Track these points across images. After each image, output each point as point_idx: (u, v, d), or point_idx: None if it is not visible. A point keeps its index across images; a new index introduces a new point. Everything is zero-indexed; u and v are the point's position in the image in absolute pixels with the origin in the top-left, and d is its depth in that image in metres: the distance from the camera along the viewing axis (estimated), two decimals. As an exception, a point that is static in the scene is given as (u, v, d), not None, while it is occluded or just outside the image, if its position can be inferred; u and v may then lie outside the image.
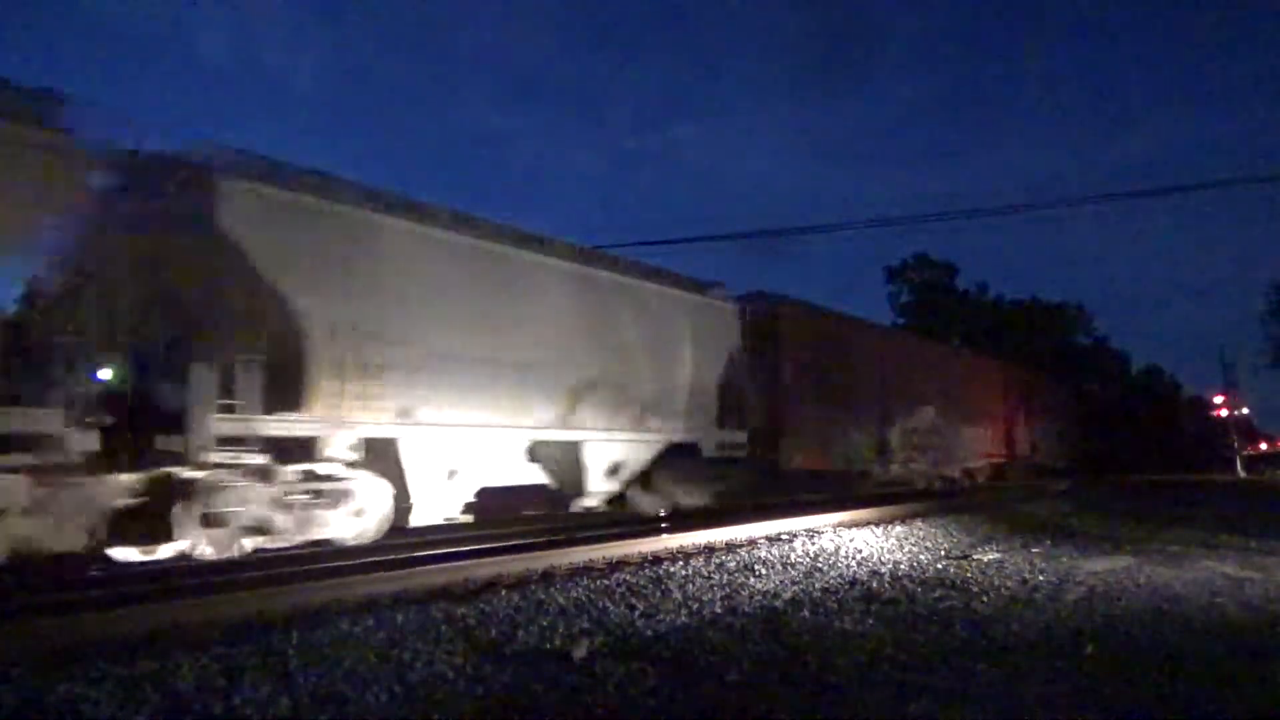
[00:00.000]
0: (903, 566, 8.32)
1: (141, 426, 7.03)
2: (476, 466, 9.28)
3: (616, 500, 11.44)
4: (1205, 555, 9.22)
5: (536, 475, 10.38)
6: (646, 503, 11.87)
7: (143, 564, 7.13)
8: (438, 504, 8.93)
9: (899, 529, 10.92)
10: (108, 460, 6.72)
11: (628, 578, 6.93)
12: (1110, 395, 44.74)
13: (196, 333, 7.23)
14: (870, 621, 5.92)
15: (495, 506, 10.15)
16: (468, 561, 7.64)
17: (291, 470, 7.67)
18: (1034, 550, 9.66)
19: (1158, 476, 31.73)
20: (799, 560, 8.27)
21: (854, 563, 8.36)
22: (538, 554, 8.19)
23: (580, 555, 8.12)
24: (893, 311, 50.51)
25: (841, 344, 16.83)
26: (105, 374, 7.05)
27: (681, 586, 6.80)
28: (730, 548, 8.87)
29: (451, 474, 8.98)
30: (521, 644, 5.05)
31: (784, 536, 9.91)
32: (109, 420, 6.82)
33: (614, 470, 10.96)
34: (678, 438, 11.84)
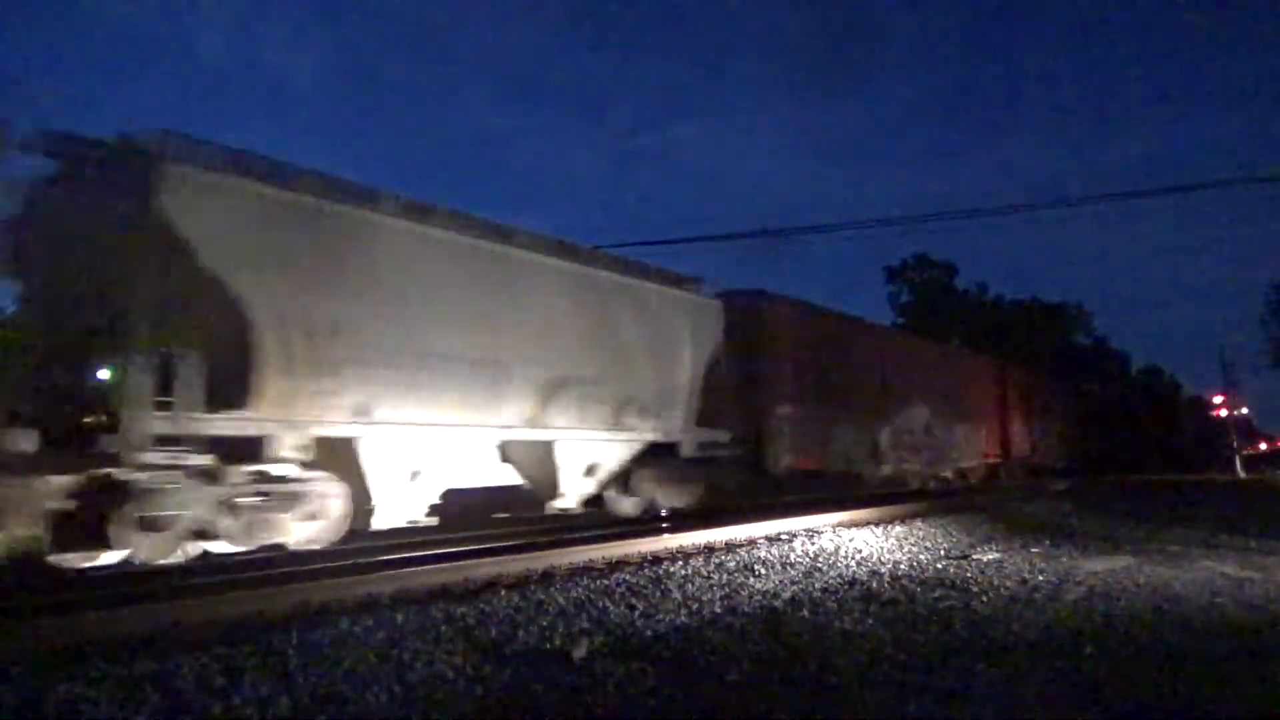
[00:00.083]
0: (902, 566, 8.32)
1: (85, 426, 6.74)
2: (441, 467, 8.98)
3: (595, 502, 11.16)
4: (1205, 555, 9.22)
5: (509, 476, 10.09)
6: (625, 504, 11.56)
7: (152, 566, 7.06)
8: (400, 506, 8.61)
9: (898, 529, 10.92)
10: (53, 461, 6.41)
11: (627, 577, 6.94)
12: (1110, 395, 44.74)
13: (132, 327, 6.81)
14: (870, 621, 5.92)
15: (465, 509, 9.86)
16: (467, 561, 7.64)
17: (240, 471, 7.28)
18: (1034, 550, 9.66)
19: (1157, 476, 31.72)
20: (798, 560, 8.27)
21: (853, 563, 8.36)
22: (538, 554, 8.20)
23: (580, 555, 8.13)
24: (893, 311, 50.59)
25: (830, 342, 16.48)
26: (104, 374, 6.93)
27: (681, 586, 6.80)
28: (730, 548, 8.88)
29: (414, 475, 8.66)
30: (521, 644, 5.05)
31: (783, 536, 9.91)
32: (48, 419, 6.52)
33: (590, 471, 10.68)
34: (656, 437, 11.54)
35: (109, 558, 6.77)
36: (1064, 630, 5.68)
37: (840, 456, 16.07)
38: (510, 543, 9.36)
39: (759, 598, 6.62)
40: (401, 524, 8.75)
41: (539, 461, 10.11)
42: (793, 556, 8.42)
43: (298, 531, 7.70)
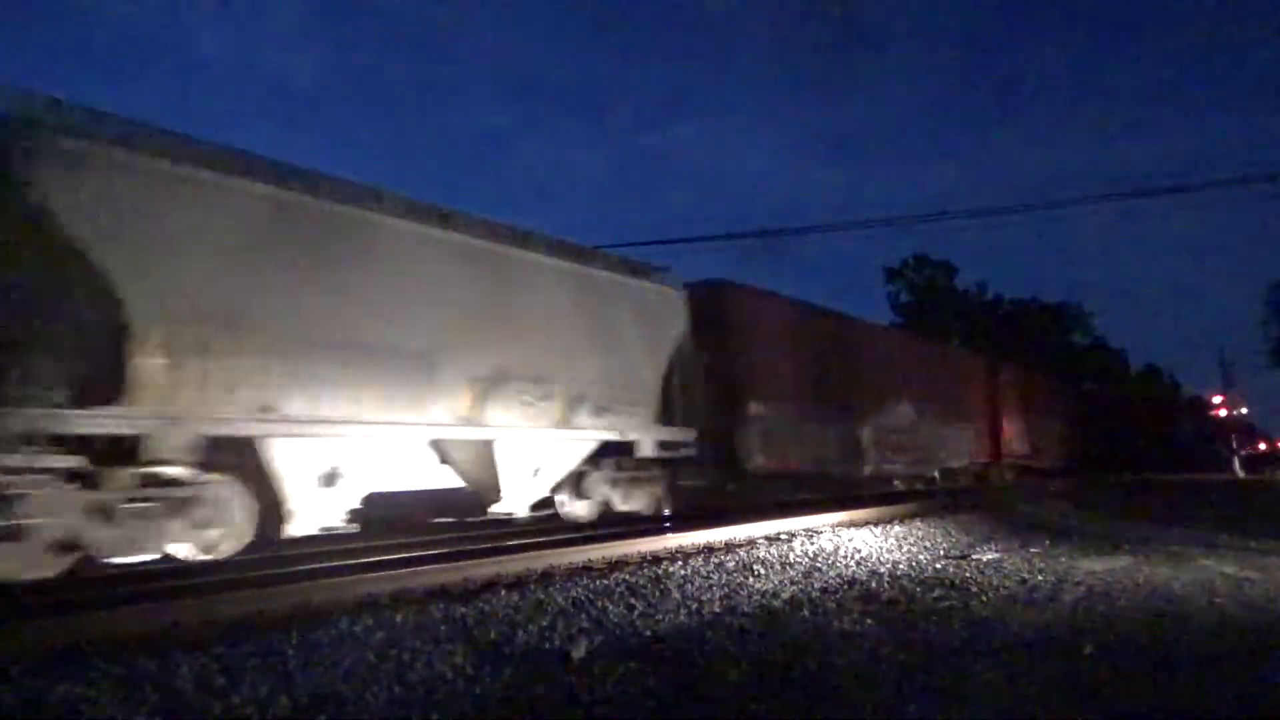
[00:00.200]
0: (901, 566, 8.32)
1: None
2: (362, 469, 8.31)
3: (546, 505, 10.60)
4: (1205, 555, 9.22)
5: (446, 478, 9.48)
6: (578, 508, 10.92)
7: (144, 564, 7.07)
8: (313, 512, 7.97)
9: (898, 529, 10.93)
10: None
11: (627, 577, 6.94)
12: (1110, 395, 44.81)
13: None
14: (869, 621, 5.92)
15: (395, 513, 9.39)
16: (467, 561, 7.64)
17: (122, 475, 6.61)
18: (1033, 550, 9.66)
19: (1157, 476, 31.74)
20: (798, 560, 8.28)
21: (853, 563, 8.36)
22: (537, 554, 8.19)
23: (580, 555, 8.13)
24: (892, 311, 50.71)
25: (807, 336, 15.82)
26: None
27: (681, 586, 6.80)
28: (729, 547, 8.87)
29: (330, 478, 8.00)
30: (521, 644, 5.06)
31: (783, 536, 9.91)
32: None
33: (536, 472, 10.00)
34: (611, 436, 10.81)
35: None
36: (1063, 630, 5.68)
37: (817, 456, 15.50)
38: (510, 543, 9.35)
39: (758, 598, 6.63)
40: (316, 531, 8.16)
41: (478, 462, 9.48)
42: (792, 556, 8.42)
43: (190, 541, 7.09)
